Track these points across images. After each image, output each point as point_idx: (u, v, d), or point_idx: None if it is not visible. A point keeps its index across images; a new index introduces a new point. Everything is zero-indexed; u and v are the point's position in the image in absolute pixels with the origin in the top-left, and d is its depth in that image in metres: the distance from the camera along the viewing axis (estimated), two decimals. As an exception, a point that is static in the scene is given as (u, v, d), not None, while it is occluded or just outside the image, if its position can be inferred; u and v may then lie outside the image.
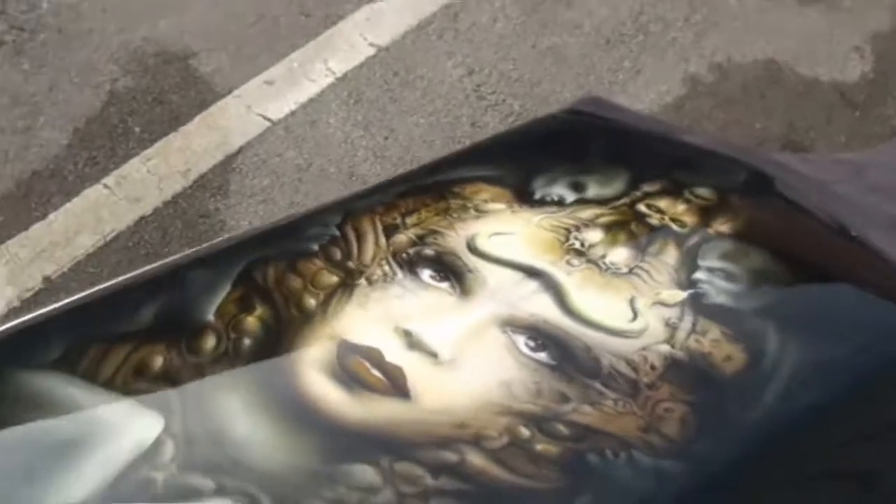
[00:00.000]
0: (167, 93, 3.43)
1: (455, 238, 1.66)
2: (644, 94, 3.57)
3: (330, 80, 3.53)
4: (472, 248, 1.64)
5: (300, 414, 1.36)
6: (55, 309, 1.60)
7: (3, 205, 3.07)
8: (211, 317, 1.50)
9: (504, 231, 1.70)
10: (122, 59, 3.49)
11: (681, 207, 1.78)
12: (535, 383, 1.40)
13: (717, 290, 1.60)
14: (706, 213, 1.79)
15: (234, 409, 1.36)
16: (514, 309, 1.52)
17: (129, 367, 1.42)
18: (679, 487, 1.33)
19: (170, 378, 1.40)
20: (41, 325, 1.56)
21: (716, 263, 1.67)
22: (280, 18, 3.68)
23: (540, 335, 1.48)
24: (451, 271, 1.59)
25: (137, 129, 3.31)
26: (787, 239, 1.86)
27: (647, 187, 1.84)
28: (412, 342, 1.45)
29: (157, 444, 1.27)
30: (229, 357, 1.45)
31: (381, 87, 3.52)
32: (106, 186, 3.14)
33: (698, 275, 1.63)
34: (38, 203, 3.08)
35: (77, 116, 3.32)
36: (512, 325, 1.50)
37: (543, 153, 2.06)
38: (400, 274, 1.58)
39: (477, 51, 3.68)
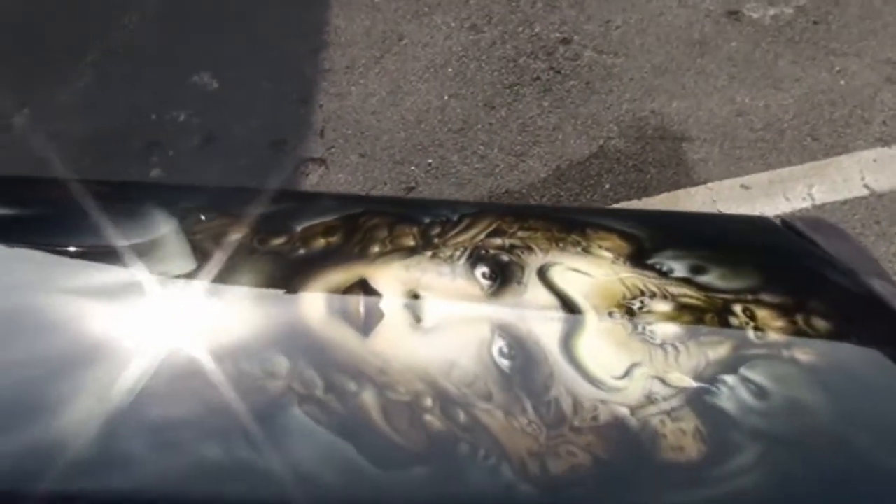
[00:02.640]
0: (648, 164, 3.61)
1: (537, 258, 1.70)
2: None
3: (807, 204, 3.44)
4: (540, 270, 1.67)
5: (279, 308, 1.58)
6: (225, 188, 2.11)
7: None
8: (299, 229, 1.75)
9: (583, 270, 1.69)
10: (625, 123, 3.75)
11: (777, 324, 1.61)
12: (475, 376, 1.42)
13: (732, 397, 1.45)
14: (799, 338, 1.59)
15: (241, 280, 1.62)
16: (519, 321, 1.54)
17: (212, 231, 1.76)
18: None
19: (227, 248, 1.69)
20: (192, 190, 2.04)
21: (756, 377, 1.48)
22: (786, 132, 3.67)
23: (519, 348, 1.50)
24: (502, 276, 1.65)
25: (607, 186, 3.55)
26: (865, 400, 1.56)
27: (767, 297, 1.67)
28: (410, 303, 1.57)
29: (180, 277, 1.63)
30: (279, 255, 1.68)
31: (855, 229, 3.34)
32: (557, 223, 3.42)
33: (727, 377, 1.48)
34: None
35: (564, 157, 3.66)
36: (504, 330, 1.53)
37: (706, 238, 1.96)
38: (462, 261, 1.68)
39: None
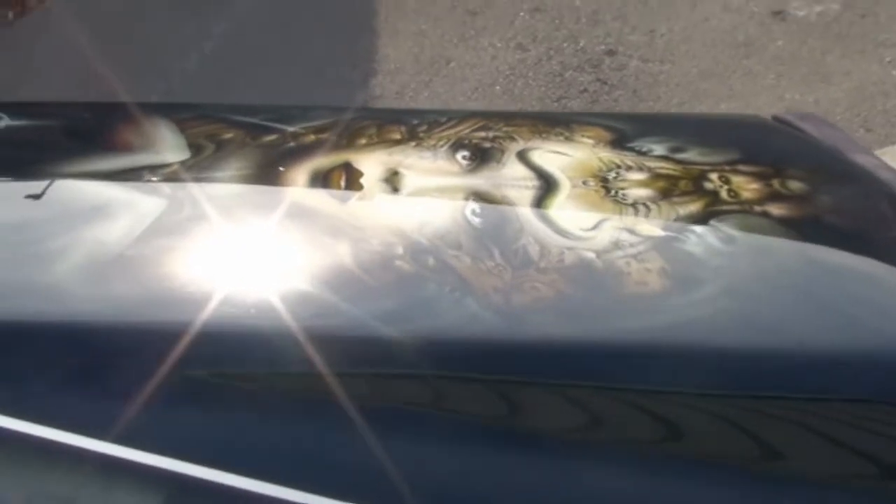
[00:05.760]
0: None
1: (518, 145, 1.73)
2: None
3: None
4: (521, 153, 1.70)
5: (261, 186, 1.68)
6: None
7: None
8: (290, 130, 1.84)
9: (562, 152, 1.72)
10: (673, 127, 3.77)
11: (752, 187, 1.61)
12: (447, 231, 1.46)
13: (701, 243, 1.44)
14: (771, 199, 1.58)
15: (228, 165, 1.70)
16: (493, 188, 1.59)
17: (206, 132, 1.85)
18: (475, 330, 1.28)
19: (219, 142, 1.79)
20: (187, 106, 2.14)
21: (726, 227, 1.48)
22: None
23: (491, 209, 1.54)
24: (482, 157, 1.69)
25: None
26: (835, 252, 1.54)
27: (744, 167, 1.67)
28: (391, 178, 1.63)
29: (172, 163, 1.72)
30: (269, 147, 1.77)
31: (914, 215, 3.29)
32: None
33: (697, 228, 1.48)
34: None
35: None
36: (478, 195, 1.57)
37: (690, 128, 1.97)
38: (445, 148, 1.72)
39: None
